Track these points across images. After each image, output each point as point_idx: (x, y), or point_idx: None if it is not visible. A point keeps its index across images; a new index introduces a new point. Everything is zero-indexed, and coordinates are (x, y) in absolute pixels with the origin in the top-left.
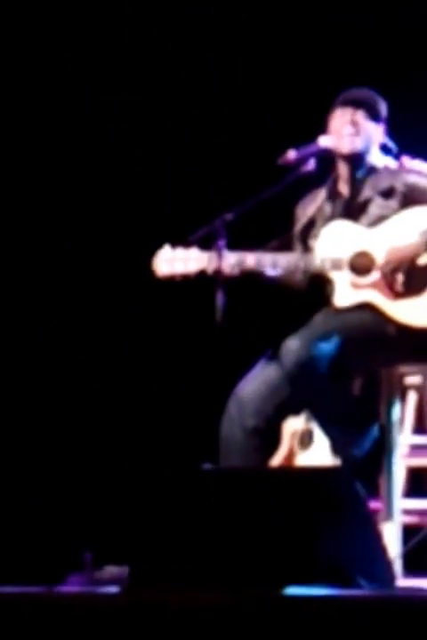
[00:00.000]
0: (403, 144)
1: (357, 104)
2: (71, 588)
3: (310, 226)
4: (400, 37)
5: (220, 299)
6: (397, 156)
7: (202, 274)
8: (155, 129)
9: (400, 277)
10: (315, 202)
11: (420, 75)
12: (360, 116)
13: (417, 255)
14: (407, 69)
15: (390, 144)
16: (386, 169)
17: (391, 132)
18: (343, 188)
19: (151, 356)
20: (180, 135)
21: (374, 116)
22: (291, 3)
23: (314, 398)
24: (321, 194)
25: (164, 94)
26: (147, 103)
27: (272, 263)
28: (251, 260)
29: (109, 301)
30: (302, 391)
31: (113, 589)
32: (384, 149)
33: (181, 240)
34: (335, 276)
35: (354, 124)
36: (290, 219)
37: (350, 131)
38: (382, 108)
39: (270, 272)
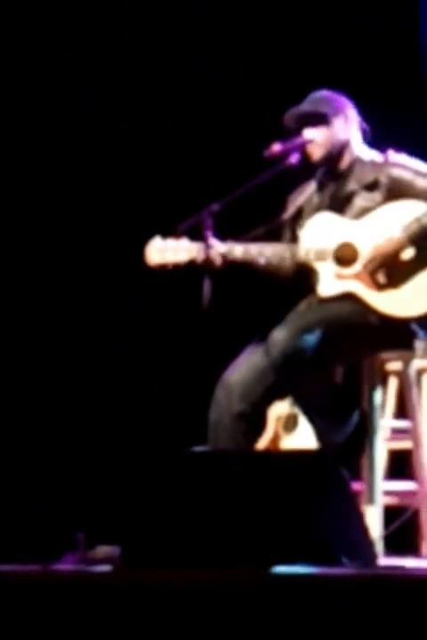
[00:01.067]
0: (387, 139)
1: (303, 122)
2: (65, 566)
3: (299, 215)
4: (381, 37)
5: (207, 286)
6: (382, 150)
7: (192, 263)
8: (143, 122)
9: (383, 269)
10: (305, 192)
11: (404, 71)
12: (312, 131)
13: (400, 248)
14: (391, 66)
15: (364, 125)
16: (371, 162)
17: (375, 126)
18: (331, 180)
19: (142, 343)
20: (167, 128)
21: (325, 119)
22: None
23: (299, 386)
24: (311, 185)
25: (150, 87)
26: (134, 96)
27: (259, 253)
28: (239, 250)
29: (98, 289)
30: (287, 379)
31: (105, 568)
32: (364, 134)
33: (169, 229)
34: (320, 266)
35: (309, 142)
36: (274, 209)
37: (318, 135)
38: (333, 103)
39: (258, 262)
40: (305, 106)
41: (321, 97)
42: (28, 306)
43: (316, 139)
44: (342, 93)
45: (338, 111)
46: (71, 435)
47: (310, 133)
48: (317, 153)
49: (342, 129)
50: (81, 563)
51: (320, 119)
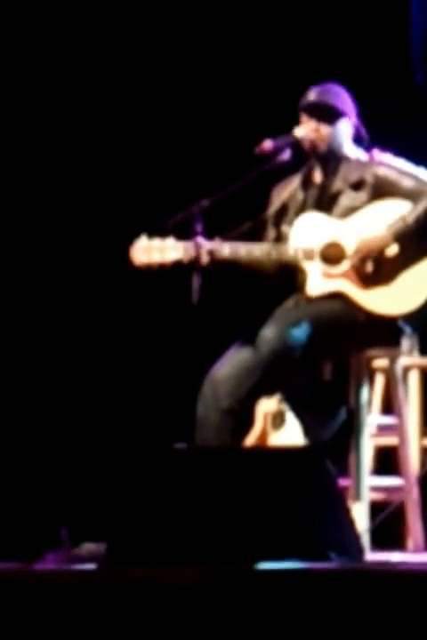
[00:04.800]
0: (375, 138)
1: (315, 112)
2: (48, 564)
3: (283, 211)
4: (371, 38)
5: (196, 282)
6: (368, 149)
7: (178, 263)
8: (132, 120)
9: (370, 267)
10: (289, 188)
11: (392, 69)
12: (324, 126)
13: (385, 246)
14: (380, 67)
15: (363, 132)
16: (357, 161)
17: (364, 125)
18: (317, 178)
19: (129, 339)
20: (156, 124)
21: (335, 116)
22: None
23: (287, 384)
24: (295, 180)
25: (140, 84)
26: (123, 93)
27: (247, 253)
28: (226, 249)
29: (86, 285)
30: (275, 377)
31: (90, 566)
32: (358, 139)
33: (157, 226)
34: (307, 265)
35: (316, 131)
36: (264, 206)
37: (313, 137)
38: (344, 103)
39: (244, 260)
40: (322, 95)
41: (337, 93)
42: (14, 306)
43: (322, 130)
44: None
45: (347, 113)
46: (56, 430)
47: (299, 131)
48: (320, 147)
49: (344, 132)
50: (65, 561)
51: (336, 115)
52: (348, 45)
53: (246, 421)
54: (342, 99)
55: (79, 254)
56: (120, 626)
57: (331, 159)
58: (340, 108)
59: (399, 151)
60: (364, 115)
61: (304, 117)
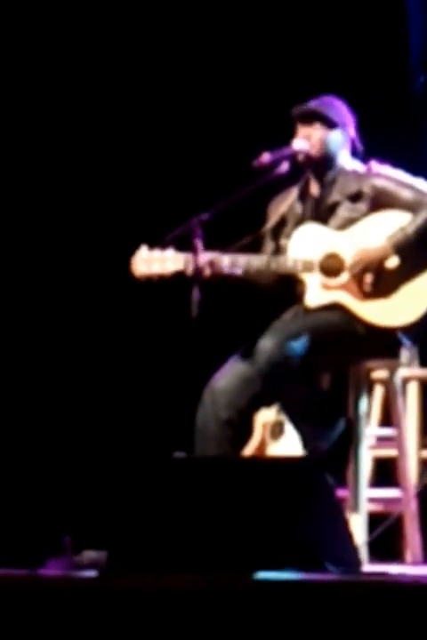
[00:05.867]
0: (372, 150)
1: (310, 119)
2: (51, 571)
3: (282, 224)
4: (370, 49)
5: (196, 294)
6: (365, 161)
7: (178, 275)
8: (133, 133)
9: (369, 279)
10: (286, 201)
11: (390, 78)
12: (316, 130)
13: (386, 258)
14: (379, 78)
15: (359, 145)
16: (354, 172)
17: (361, 137)
18: (314, 190)
19: (129, 350)
20: (157, 137)
21: (330, 124)
22: (264, 5)
23: (285, 394)
24: (293, 193)
25: (140, 96)
26: (124, 106)
27: (246, 264)
28: (226, 260)
29: (86, 296)
30: (274, 387)
31: (91, 574)
32: (354, 152)
33: (157, 239)
34: (306, 277)
35: (309, 139)
36: (262, 219)
37: (306, 145)
38: (340, 113)
39: (243, 272)
40: (316, 104)
41: (332, 103)
42: (17, 318)
43: (314, 136)
44: (349, 107)
45: (342, 124)
46: (58, 439)
47: (298, 144)
48: (313, 154)
49: (339, 143)
50: (67, 568)
51: (331, 123)
52: (346, 55)
53: (245, 432)
54: (337, 109)
55: (81, 265)
56: (120, 632)
57: (326, 169)
58: (332, 117)
59: (398, 160)
60: (362, 124)
61: (299, 126)
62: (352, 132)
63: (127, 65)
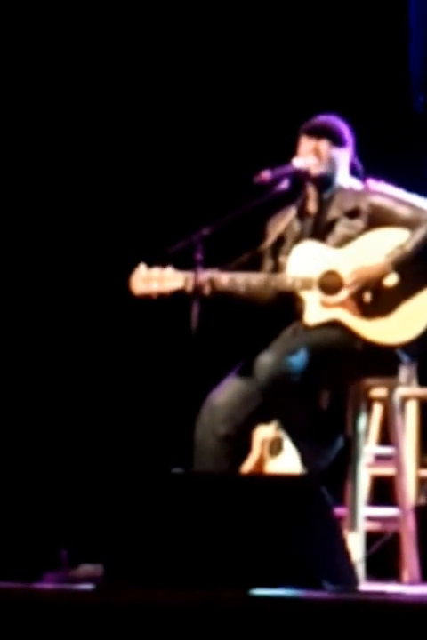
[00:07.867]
0: (372, 169)
1: (319, 134)
2: (47, 584)
3: (280, 242)
4: (370, 63)
5: (195, 310)
6: (363, 178)
7: (177, 293)
8: (133, 149)
9: (368, 296)
10: (285, 219)
11: (389, 102)
12: (323, 144)
13: (385, 275)
14: (377, 97)
15: (358, 165)
16: (351, 190)
17: (358, 155)
18: (312, 208)
19: (129, 365)
20: (157, 154)
21: (337, 142)
22: (266, 23)
23: (284, 411)
24: (291, 211)
25: (141, 110)
26: (124, 120)
27: (245, 282)
28: (225, 279)
29: (86, 311)
30: (273, 404)
31: (88, 587)
32: (353, 171)
33: (158, 254)
34: (305, 294)
35: (317, 152)
36: (260, 236)
37: (314, 160)
38: (345, 133)
39: (242, 290)
40: (326, 120)
41: (337, 122)
42: (16, 333)
43: (322, 150)
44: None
45: (345, 144)
46: (56, 452)
47: (298, 162)
48: (319, 170)
49: (341, 159)
50: (63, 581)
51: (338, 141)
52: (347, 74)
53: (244, 448)
54: (342, 129)
55: (80, 281)
56: None
57: (325, 187)
58: (340, 134)
59: (399, 179)
60: (363, 143)
61: (304, 139)
62: (352, 152)
63: (130, 79)
